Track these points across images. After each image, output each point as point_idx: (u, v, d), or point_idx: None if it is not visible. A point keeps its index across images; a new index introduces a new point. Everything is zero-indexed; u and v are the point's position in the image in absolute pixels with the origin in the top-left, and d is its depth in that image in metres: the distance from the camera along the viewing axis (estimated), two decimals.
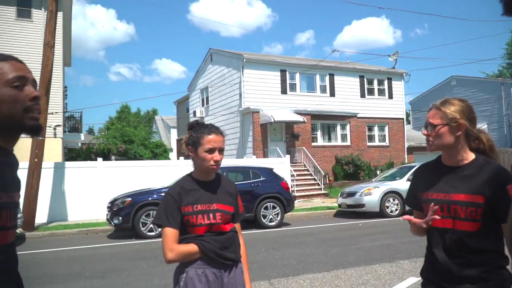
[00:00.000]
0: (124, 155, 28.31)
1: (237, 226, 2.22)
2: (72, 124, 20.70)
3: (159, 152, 32.92)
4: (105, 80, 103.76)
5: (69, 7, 18.08)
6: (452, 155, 1.84)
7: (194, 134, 2.10)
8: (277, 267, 6.14)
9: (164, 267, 6.36)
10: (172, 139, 39.15)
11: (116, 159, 24.14)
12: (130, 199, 9.41)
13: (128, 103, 52.93)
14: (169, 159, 30.36)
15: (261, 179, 10.72)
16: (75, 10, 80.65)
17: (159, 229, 9.43)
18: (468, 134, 1.84)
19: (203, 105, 25.54)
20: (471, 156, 1.83)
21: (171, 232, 2.01)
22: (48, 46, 10.42)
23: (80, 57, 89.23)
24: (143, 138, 30.84)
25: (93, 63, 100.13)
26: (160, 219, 2.06)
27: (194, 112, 25.71)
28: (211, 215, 2.06)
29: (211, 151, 2.05)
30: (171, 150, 37.09)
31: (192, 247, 2.02)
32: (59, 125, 16.24)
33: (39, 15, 16.93)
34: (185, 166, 14.18)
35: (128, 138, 29.36)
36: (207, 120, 24.68)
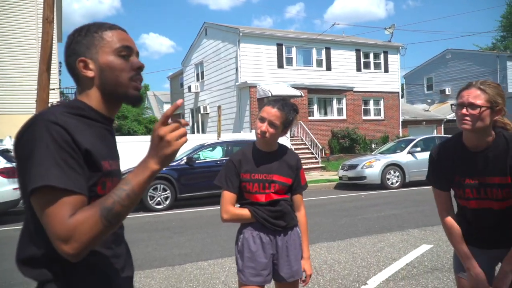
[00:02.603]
0: (118, 131, 28.16)
1: (298, 197, 2.32)
2: (64, 100, 20.47)
3: (153, 128, 32.69)
4: None
5: None
6: (481, 137, 1.83)
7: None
8: None
9: (179, 238, 6.50)
10: None
11: None
12: None
13: None
14: None
15: None
16: None
17: (167, 202, 9.58)
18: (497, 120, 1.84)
19: (198, 80, 25.34)
20: (492, 135, 1.84)
21: (228, 195, 2.17)
22: (48, 21, 10.17)
23: (66, 32, 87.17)
24: (136, 113, 30.59)
25: None
26: (220, 182, 2.20)
27: (189, 87, 25.51)
28: (266, 184, 2.16)
29: (262, 119, 2.14)
30: None
31: (245, 212, 2.17)
32: (58, 101, 16.04)
33: None
34: None
35: (121, 113, 29.10)
36: (202, 95, 24.57)
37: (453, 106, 1.88)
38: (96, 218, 1.00)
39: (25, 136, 1.05)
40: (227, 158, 2.56)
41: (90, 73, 1.19)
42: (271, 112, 2.12)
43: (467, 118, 1.76)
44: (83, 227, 0.98)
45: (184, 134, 1.06)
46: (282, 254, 2.19)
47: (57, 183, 0.99)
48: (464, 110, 1.77)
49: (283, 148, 2.29)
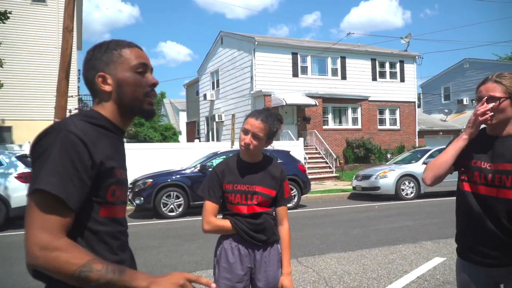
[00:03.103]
0: (134, 138, 28.55)
1: (282, 209, 2.25)
2: (82, 107, 20.89)
3: (168, 135, 33.12)
4: None
5: None
6: (502, 127, 1.82)
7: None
8: (302, 246, 6.30)
9: (190, 245, 6.55)
10: (181, 122, 39.31)
11: (126, 142, 24.39)
12: (151, 180, 9.59)
13: None
14: (178, 141, 30.57)
15: (278, 161, 10.81)
16: None
17: (180, 210, 9.65)
18: None
19: (213, 88, 25.55)
20: None
21: (210, 206, 2.16)
22: (68, 30, 10.45)
23: (85, 40, 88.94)
24: (152, 121, 30.97)
25: None
26: (203, 192, 2.20)
27: (205, 95, 25.74)
28: (249, 196, 2.13)
29: (245, 132, 2.13)
30: (180, 133, 37.29)
31: (226, 223, 2.15)
32: (76, 108, 16.42)
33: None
34: (200, 149, 14.35)
35: (138, 121, 29.48)
36: (217, 103, 24.75)
37: (473, 101, 1.89)
38: (75, 262, 1.02)
39: (41, 141, 1.12)
40: None
41: (108, 88, 1.26)
42: (254, 124, 2.10)
43: (488, 111, 1.77)
44: (63, 256, 1.02)
45: None
46: (259, 268, 2.14)
47: (51, 189, 1.05)
48: (484, 105, 1.79)
49: (268, 159, 2.26)
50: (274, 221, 2.22)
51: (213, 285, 1.16)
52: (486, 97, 1.79)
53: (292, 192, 10.70)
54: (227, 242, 2.17)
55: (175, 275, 1.12)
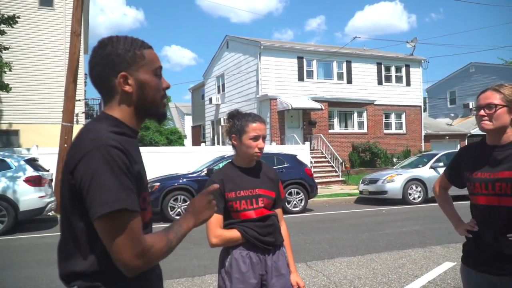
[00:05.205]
0: (140, 142, 28.61)
1: (279, 211, 2.27)
2: (88, 111, 20.99)
3: (174, 139, 33.15)
4: None
5: None
6: (500, 136, 1.87)
7: (238, 122, 2.14)
8: (311, 250, 6.28)
9: (199, 249, 6.53)
10: (186, 125, 39.35)
11: None
12: (158, 184, 9.60)
13: None
14: (183, 145, 30.60)
15: (285, 165, 10.83)
16: None
17: None
18: None
19: (219, 92, 25.60)
20: None
21: (214, 218, 2.05)
22: (75, 34, 10.54)
23: (91, 44, 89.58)
24: (158, 125, 31.01)
25: None
26: None
27: (210, 99, 25.80)
28: (254, 200, 2.12)
29: (255, 138, 2.09)
30: (185, 136, 37.35)
31: (235, 233, 2.09)
32: (83, 112, 16.51)
33: (60, 3, 17.07)
34: (206, 153, 14.37)
35: (144, 125, 29.53)
36: (222, 107, 24.80)
37: (472, 110, 1.97)
38: (163, 244, 1.17)
39: (84, 165, 1.09)
40: None
41: (129, 89, 1.23)
42: (262, 127, 2.13)
43: (486, 118, 1.84)
44: (155, 248, 1.14)
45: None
46: (271, 274, 2.12)
47: (128, 206, 1.09)
48: (481, 112, 1.86)
49: (260, 162, 2.26)
50: (279, 223, 2.23)
51: (216, 185, 1.35)
52: (484, 104, 1.86)
53: (299, 196, 10.68)
54: (237, 251, 2.10)
55: (196, 201, 1.30)
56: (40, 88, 16.62)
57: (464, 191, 2.07)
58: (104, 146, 1.09)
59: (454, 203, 2.26)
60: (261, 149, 2.11)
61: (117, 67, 1.22)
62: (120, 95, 1.24)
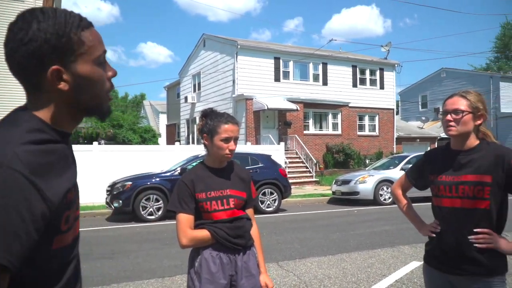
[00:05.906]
0: (113, 140, 28.07)
1: (250, 211, 2.26)
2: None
3: (148, 137, 32.67)
4: None
5: None
6: (463, 141, 1.95)
7: (210, 122, 2.11)
8: (282, 250, 6.32)
9: (170, 249, 6.47)
10: (161, 124, 38.93)
11: (105, 144, 23.98)
12: (130, 183, 9.46)
13: (116, 87, 52.30)
14: (158, 144, 30.23)
15: (260, 165, 10.86)
16: None
17: (159, 213, 9.54)
18: (478, 126, 1.96)
19: (194, 90, 25.43)
20: (476, 141, 1.96)
21: (184, 218, 2.04)
22: None
23: None
24: (131, 122, 30.54)
25: None
26: (174, 206, 2.09)
27: (186, 98, 25.60)
28: (224, 200, 2.10)
29: (227, 140, 2.07)
30: (160, 135, 36.91)
31: (205, 233, 2.06)
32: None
33: None
34: (180, 152, 14.23)
35: (116, 122, 29.03)
36: (198, 106, 24.65)
37: (439, 114, 2.02)
38: None
39: None
40: None
41: (64, 86, 0.94)
42: (235, 129, 2.11)
43: (452, 123, 1.91)
44: None
45: None
46: (241, 274, 2.12)
47: (9, 263, 0.81)
48: (448, 117, 1.92)
49: (232, 162, 2.25)
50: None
51: None
52: (451, 110, 1.92)
53: (273, 196, 10.72)
54: (207, 252, 2.08)
55: None
56: (8, 84, 16.07)
57: (419, 193, 2.14)
58: (6, 168, 0.80)
59: (423, 204, 2.34)
60: (232, 151, 2.09)
61: (46, 58, 0.90)
62: (50, 93, 0.94)
